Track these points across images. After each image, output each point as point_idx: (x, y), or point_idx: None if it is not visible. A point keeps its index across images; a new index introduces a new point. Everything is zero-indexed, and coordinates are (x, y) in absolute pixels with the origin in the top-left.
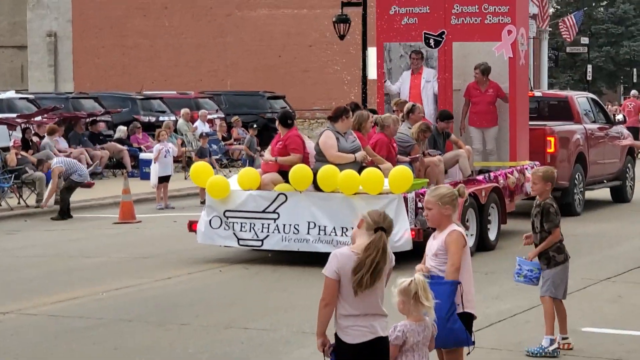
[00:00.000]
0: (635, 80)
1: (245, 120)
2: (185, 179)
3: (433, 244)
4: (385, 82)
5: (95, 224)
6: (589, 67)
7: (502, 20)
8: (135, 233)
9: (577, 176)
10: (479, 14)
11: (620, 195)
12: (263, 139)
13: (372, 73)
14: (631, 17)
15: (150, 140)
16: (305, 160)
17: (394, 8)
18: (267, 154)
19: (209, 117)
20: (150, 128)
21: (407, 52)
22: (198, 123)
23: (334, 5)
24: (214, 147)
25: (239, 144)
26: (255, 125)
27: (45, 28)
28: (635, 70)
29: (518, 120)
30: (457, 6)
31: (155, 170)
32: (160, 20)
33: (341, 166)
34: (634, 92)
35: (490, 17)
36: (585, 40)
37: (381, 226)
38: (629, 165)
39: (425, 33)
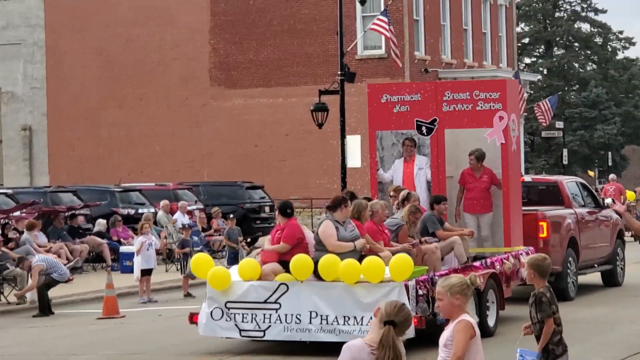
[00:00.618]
0: (610, 164)
1: (224, 210)
2: (167, 271)
3: (444, 335)
4: (378, 170)
5: (79, 320)
6: (565, 151)
7: (493, 106)
8: (121, 328)
9: (569, 261)
10: (470, 101)
11: (611, 279)
12: (243, 229)
13: (352, 161)
14: (604, 100)
15: (131, 233)
16: (304, 249)
17: (386, 96)
18: (266, 244)
19: (189, 208)
20: (130, 221)
21: (399, 140)
22: (178, 215)
23: (309, 94)
24: (195, 238)
25: (219, 235)
26: (232, 216)
27: (20, 122)
28: (610, 153)
29: (511, 206)
30: (448, 93)
31: (138, 263)
32: (136, 110)
33: (341, 255)
34: (612, 176)
35: (481, 103)
36: (560, 124)
37: (391, 319)
38: (618, 249)
39: (417, 120)
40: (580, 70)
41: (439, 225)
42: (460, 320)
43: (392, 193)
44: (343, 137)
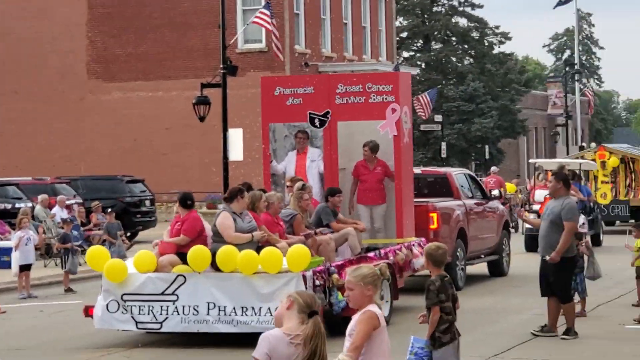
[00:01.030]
0: (487, 157)
1: (104, 205)
2: (45, 266)
3: (350, 325)
4: (271, 162)
5: None
6: (443, 145)
7: (386, 99)
8: (3, 324)
9: (458, 251)
10: (363, 94)
11: (497, 269)
12: (123, 223)
13: (234, 154)
14: (481, 94)
15: (8, 228)
16: (204, 242)
17: (279, 89)
18: (165, 235)
19: (67, 202)
20: (6, 215)
21: (292, 132)
22: (56, 209)
23: (189, 88)
24: (75, 233)
25: (99, 229)
26: (110, 210)
27: None
28: (487, 147)
29: (404, 198)
30: (341, 86)
31: (16, 259)
32: (11, 104)
33: (239, 246)
34: (494, 168)
35: (374, 96)
36: (438, 118)
37: (315, 310)
38: (504, 239)
39: (310, 113)
40: (458, 64)
41: (333, 217)
42: (366, 310)
43: (288, 184)
44: (225, 131)
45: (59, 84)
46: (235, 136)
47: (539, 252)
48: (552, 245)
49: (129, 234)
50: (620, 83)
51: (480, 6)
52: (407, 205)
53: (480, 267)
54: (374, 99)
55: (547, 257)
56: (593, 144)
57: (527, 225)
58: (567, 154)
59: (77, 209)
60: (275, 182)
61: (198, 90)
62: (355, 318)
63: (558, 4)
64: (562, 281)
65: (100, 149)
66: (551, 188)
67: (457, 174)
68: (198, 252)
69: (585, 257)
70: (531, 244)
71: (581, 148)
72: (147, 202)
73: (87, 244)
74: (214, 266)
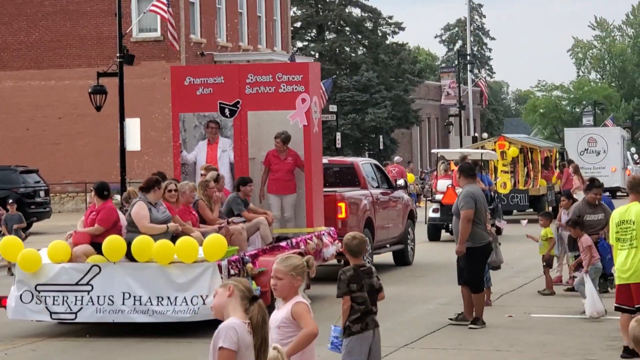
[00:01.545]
0: (381, 147)
1: None
2: None
3: (277, 316)
4: (181, 152)
5: None
6: (338, 135)
7: (296, 89)
8: None
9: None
10: (273, 83)
11: (402, 259)
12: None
13: (131, 144)
14: (375, 84)
15: None
16: (118, 232)
17: (189, 79)
18: (79, 225)
19: None
20: None
21: (201, 122)
22: None
23: (83, 77)
24: None
25: None
26: (11, 201)
27: None
28: (381, 137)
29: (314, 187)
30: (251, 76)
31: None
32: None
33: (154, 237)
34: (397, 158)
35: (284, 86)
36: (333, 108)
37: (256, 295)
38: (409, 229)
39: (220, 103)
40: (352, 54)
41: (244, 206)
42: (298, 302)
43: (202, 172)
44: (122, 120)
45: None
46: (133, 126)
47: None
48: (457, 237)
49: (25, 224)
50: (509, 74)
51: None
52: (317, 194)
53: (385, 257)
54: (284, 89)
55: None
56: (485, 134)
57: (431, 215)
58: (461, 144)
59: None
60: (186, 172)
61: (91, 79)
62: (283, 309)
63: None
64: (472, 271)
65: None
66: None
67: (364, 164)
68: (113, 242)
69: None
70: (434, 234)
71: (474, 138)
72: (42, 193)
73: None
74: (129, 256)
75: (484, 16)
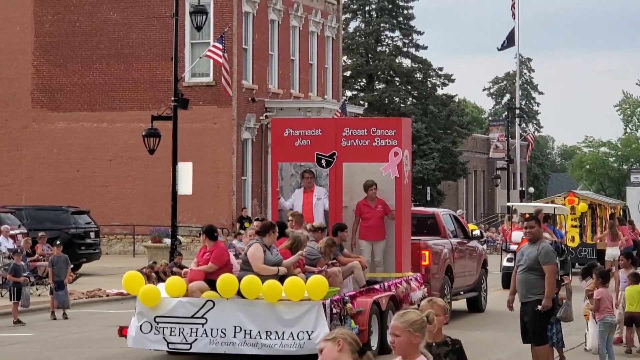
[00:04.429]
0: (428, 199)
1: (49, 236)
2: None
3: None
4: (279, 199)
5: None
6: None
7: (389, 143)
8: None
9: (446, 287)
10: (367, 137)
11: (475, 306)
12: (68, 255)
13: (183, 188)
14: (423, 135)
15: None
16: (230, 271)
17: (288, 130)
18: (192, 265)
19: (11, 232)
20: None
21: (297, 171)
22: (1, 239)
23: (134, 120)
24: (22, 264)
25: (44, 260)
26: (58, 242)
27: None
28: (428, 188)
29: (403, 235)
30: (347, 129)
31: None
32: None
33: (263, 277)
34: (460, 211)
35: (378, 139)
36: None
37: (363, 347)
38: (483, 277)
39: (317, 154)
40: (401, 104)
41: (339, 251)
42: None
43: (290, 218)
44: (175, 164)
45: (3, 111)
46: (185, 170)
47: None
48: (530, 290)
49: (71, 265)
50: (556, 128)
51: (425, 47)
52: (405, 241)
53: (459, 303)
54: (378, 143)
55: (539, 307)
56: (532, 189)
57: (505, 264)
58: (508, 197)
59: (22, 239)
60: (282, 218)
61: (143, 123)
62: None
63: (503, 47)
64: (537, 323)
65: (42, 179)
66: (533, 232)
67: (444, 214)
68: (226, 280)
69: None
70: (508, 281)
71: (521, 192)
72: (92, 234)
73: (34, 276)
74: (240, 293)
75: (533, 70)
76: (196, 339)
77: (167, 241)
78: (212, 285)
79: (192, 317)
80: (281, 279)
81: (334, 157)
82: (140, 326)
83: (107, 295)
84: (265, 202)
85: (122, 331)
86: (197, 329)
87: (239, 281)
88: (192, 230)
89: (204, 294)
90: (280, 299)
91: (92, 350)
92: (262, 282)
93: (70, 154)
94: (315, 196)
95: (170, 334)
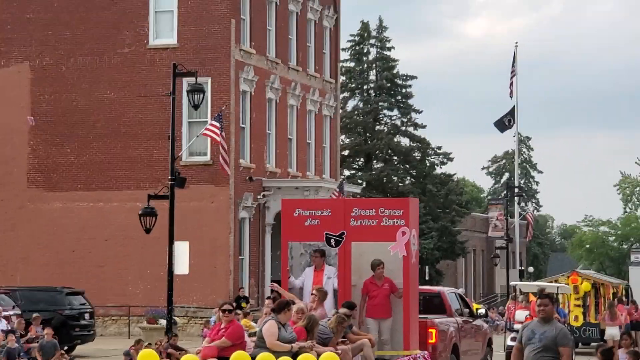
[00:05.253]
0: (426, 278)
1: (43, 317)
2: None
3: None
4: (289, 277)
5: None
6: None
7: (397, 222)
8: None
9: None
10: (375, 217)
11: None
12: (61, 336)
13: (179, 268)
14: (422, 214)
15: None
16: (243, 347)
17: (298, 211)
18: (205, 342)
19: (5, 314)
20: None
21: (307, 250)
22: None
23: (131, 199)
24: (16, 345)
25: (38, 342)
26: (48, 327)
27: None
28: (427, 267)
29: (411, 313)
30: (356, 209)
31: None
32: None
33: (277, 353)
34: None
35: (386, 219)
36: None
37: None
38: (488, 355)
39: (326, 233)
40: (399, 184)
41: (349, 329)
42: None
43: (314, 292)
44: (171, 243)
45: None
46: (182, 249)
47: None
48: None
49: (66, 347)
50: (555, 207)
51: (423, 126)
52: (413, 319)
53: None
54: (386, 222)
55: None
56: (531, 268)
57: (509, 342)
58: (507, 277)
59: (16, 320)
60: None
61: (139, 202)
62: None
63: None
64: None
65: (37, 259)
66: (547, 311)
67: (449, 293)
68: (240, 356)
69: None
70: None
71: (521, 272)
72: (87, 316)
73: (26, 357)
74: None
75: (532, 149)
76: None
77: (163, 322)
78: None
79: None
80: (294, 356)
81: (343, 236)
82: None
83: None
84: (262, 281)
85: None
86: None
87: (253, 359)
88: (188, 310)
89: None
90: None
91: None
92: (276, 359)
93: (66, 234)
94: (326, 275)
95: None
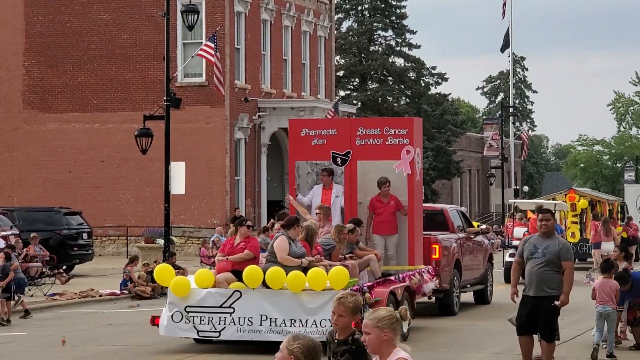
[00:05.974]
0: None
1: (41, 237)
2: None
3: None
4: (297, 196)
5: None
6: None
7: (401, 141)
8: None
9: (454, 280)
10: (381, 136)
11: (482, 298)
12: (60, 255)
13: (176, 188)
14: None
15: None
16: (256, 263)
17: (305, 130)
18: (218, 256)
19: (3, 233)
20: None
21: (314, 169)
22: None
23: (126, 120)
24: (7, 264)
25: (36, 261)
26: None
27: None
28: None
29: (415, 229)
30: (361, 129)
31: None
32: None
33: (287, 268)
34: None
35: (391, 138)
36: None
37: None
38: (489, 271)
39: (333, 152)
40: (394, 104)
41: (356, 244)
42: (399, 358)
43: (317, 211)
44: (167, 164)
45: None
46: (178, 169)
47: (526, 291)
48: (548, 285)
49: (64, 267)
50: (550, 127)
51: (418, 46)
52: (417, 236)
53: (466, 296)
54: (391, 141)
55: (557, 303)
56: (526, 188)
57: (507, 259)
58: (502, 196)
59: (14, 240)
60: (299, 213)
61: (135, 123)
62: None
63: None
64: (552, 319)
65: (34, 181)
66: (549, 225)
67: (452, 210)
68: (252, 271)
69: None
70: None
71: (516, 191)
72: (85, 235)
73: (28, 277)
74: (265, 284)
75: (526, 69)
76: (224, 327)
77: (161, 242)
78: (238, 277)
79: (221, 306)
80: (304, 270)
81: (349, 155)
82: (172, 315)
83: (100, 296)
84: (259, 202)
85: (154, 320)
86: (225, 318)
87: (264, 273)
88: (185, 230)
89: (231, 284)
90: (304, 289)
91: (83, 348)
92: (287, 273)
93: (62, 155)
94: (334, 193)
95: (200, 323)
